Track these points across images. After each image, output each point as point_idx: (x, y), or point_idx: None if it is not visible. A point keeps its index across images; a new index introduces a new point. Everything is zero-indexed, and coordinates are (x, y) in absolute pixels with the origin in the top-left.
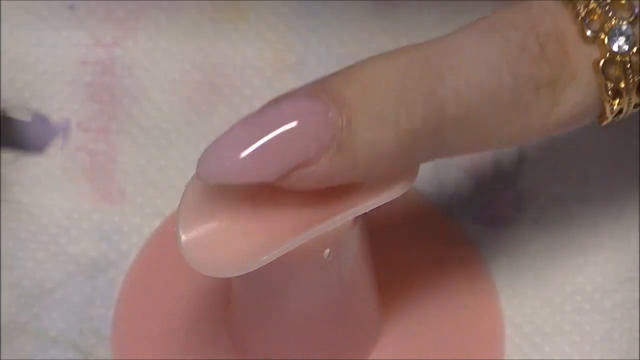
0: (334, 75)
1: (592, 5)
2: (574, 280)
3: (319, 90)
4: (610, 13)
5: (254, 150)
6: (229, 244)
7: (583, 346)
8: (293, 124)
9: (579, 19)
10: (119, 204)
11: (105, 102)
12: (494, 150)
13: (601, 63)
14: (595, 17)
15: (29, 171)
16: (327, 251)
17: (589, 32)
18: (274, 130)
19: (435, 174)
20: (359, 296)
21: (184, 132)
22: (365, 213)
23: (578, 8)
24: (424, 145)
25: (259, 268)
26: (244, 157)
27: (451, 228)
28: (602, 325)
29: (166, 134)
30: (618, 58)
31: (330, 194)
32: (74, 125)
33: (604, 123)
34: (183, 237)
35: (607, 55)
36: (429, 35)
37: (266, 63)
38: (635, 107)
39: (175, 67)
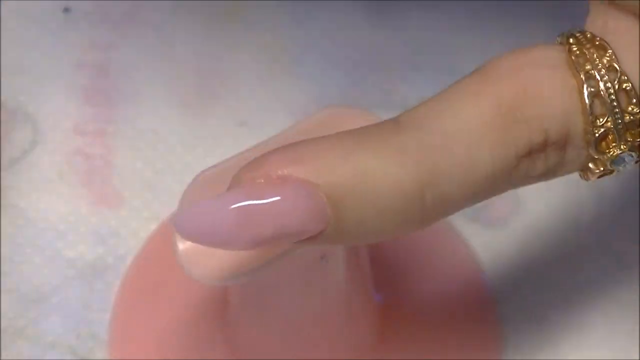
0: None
1: (608, 124)
2: (572, 279)
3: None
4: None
5: (243, 207)
6: (226, 253)
7: (581, 346)
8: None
9: (593, 136)
10: (116, 207)
11: (101, 105)
12: None
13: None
14: (610, 139)
15: (25, 175)
16: (324, 257)
17: (595, 155)
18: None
19: None
20: (355, 298)
21: (181, 134)
22: None
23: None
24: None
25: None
26: (233, 210)
27: (449, 230)
28: (601, 325)
29: (162, 137)
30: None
31: None
32: (70, 128)
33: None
34: (180, 246)
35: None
36: (424, 36)
37: (261, 64)
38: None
39: (171, 69)
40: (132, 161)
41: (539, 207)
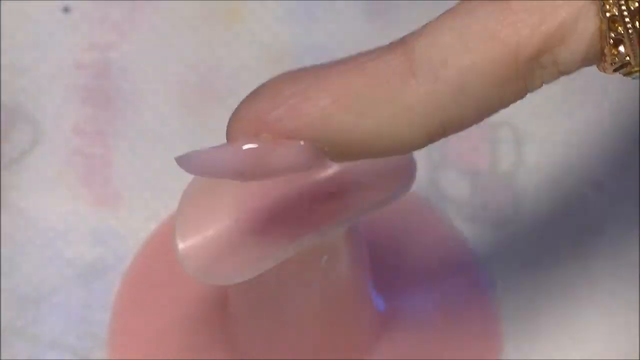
0: None
1: (627, 59)
2: (572, 278)
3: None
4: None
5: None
6: (226, 253)
7: (582, 345)
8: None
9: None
10: (115, 207)
11: (101, 105)
12: (492, 150)
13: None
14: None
15: (25, 175)
16: (324, 257)
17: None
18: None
19: (432, 175)
20: (356, 298)
21: (180, 134)
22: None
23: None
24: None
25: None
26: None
27: (448, 229)
28: (601, 324)
29: (162, 137)
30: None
31: (324, 201)
32: (70, 129)
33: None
34: (180, 246)
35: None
36: None
37: (262, 64)
38: None
39: (171, 69)
40: (131, 161)
41: (539, 207)
